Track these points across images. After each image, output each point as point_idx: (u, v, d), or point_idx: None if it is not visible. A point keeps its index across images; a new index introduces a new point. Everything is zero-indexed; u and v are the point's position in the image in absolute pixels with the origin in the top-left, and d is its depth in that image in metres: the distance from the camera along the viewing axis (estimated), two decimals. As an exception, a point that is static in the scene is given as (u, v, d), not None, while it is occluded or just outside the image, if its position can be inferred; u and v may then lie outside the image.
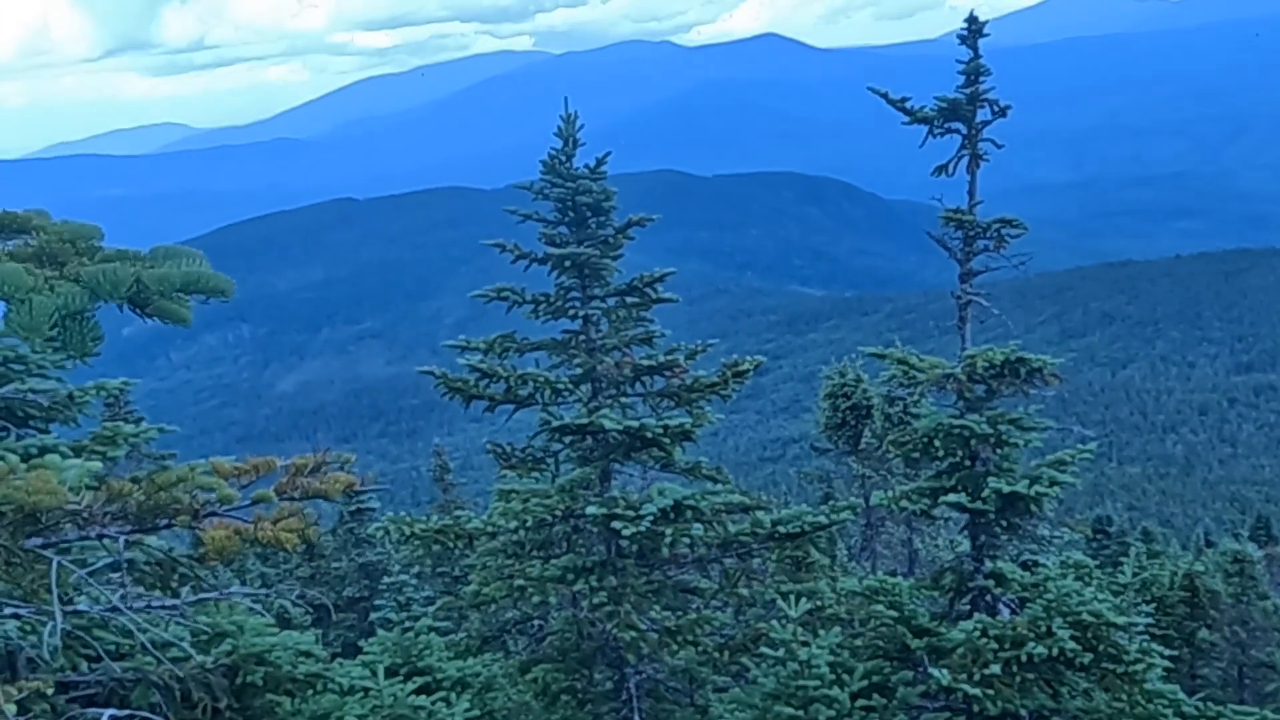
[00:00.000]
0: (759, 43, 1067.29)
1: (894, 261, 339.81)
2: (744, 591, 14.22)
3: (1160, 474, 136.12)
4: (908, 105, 12.66)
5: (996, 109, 12.57)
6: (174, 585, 9.69)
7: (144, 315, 4.19)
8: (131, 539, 5.09)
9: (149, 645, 7.65)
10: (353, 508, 35.85)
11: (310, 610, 34.46)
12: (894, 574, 22.80)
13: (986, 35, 12.50)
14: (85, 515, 5.00)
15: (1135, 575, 28.68)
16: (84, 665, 9.17)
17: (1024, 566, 13.77)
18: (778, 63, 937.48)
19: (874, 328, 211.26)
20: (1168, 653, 16.64)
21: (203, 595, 6.20)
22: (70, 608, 7.10)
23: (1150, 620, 12.91)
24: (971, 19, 12.47)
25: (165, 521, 4.93)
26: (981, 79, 12.53)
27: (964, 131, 12.75)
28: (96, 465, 5.14)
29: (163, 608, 6.43)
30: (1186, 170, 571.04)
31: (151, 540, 7.45)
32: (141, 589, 9.05)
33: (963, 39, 12.49)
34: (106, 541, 5.28)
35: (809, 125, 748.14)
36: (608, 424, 12.62)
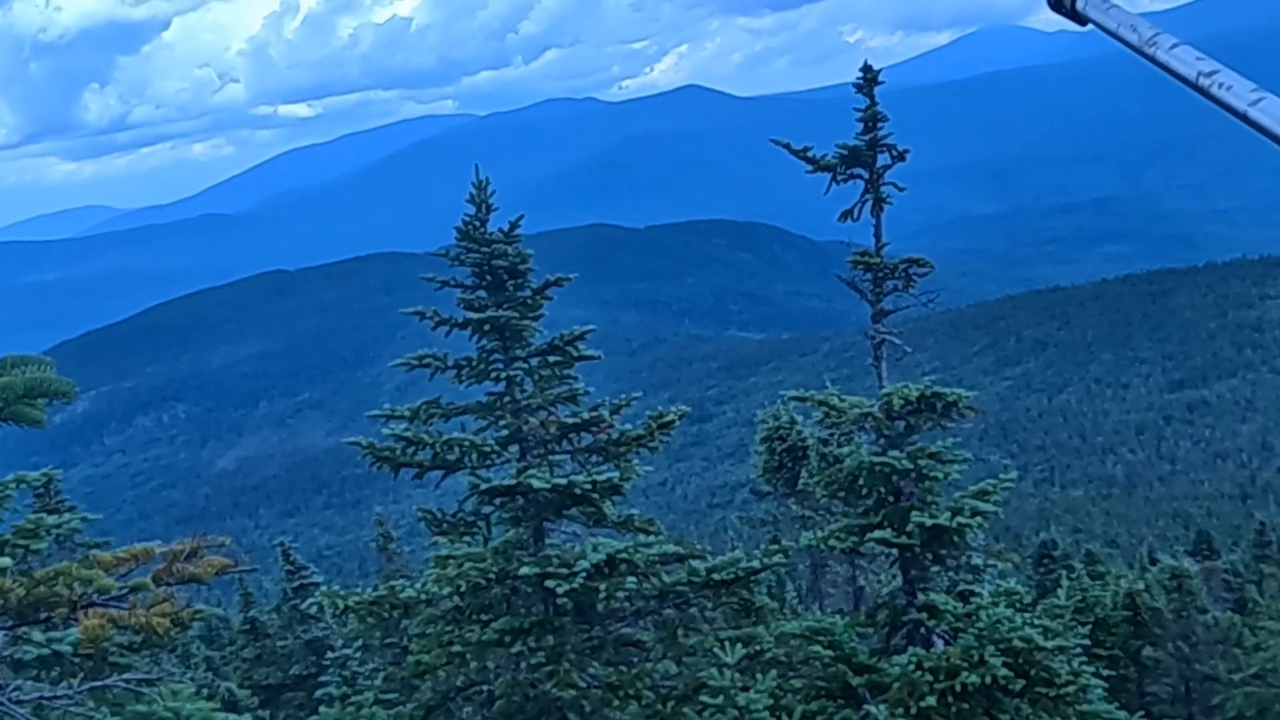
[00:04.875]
0: (681, 94, 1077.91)
1: (829, 301, 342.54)
2: (685, 641, 14.26)
3: (1103, 495, 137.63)
4: (810, 154, 12.94)
5: (895, 153, 12.88)
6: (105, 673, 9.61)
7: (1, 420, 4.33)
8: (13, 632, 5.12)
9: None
10: (295, 583, 35.45)
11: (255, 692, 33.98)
12: (840, 612, 22.99)
13: (881, 83, 12.84)
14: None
15: (1070, 598, 29.08)
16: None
17: (960, 597, 13.97)
18: (701, 113, 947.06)
19: (813, 368, 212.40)
20: (1105, 673, 16.90)
21: (93, 683, 6.20)
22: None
23: (1087, 642, 13.06)
24: (866, 68, 12.81)
25: (45, 614, 4.96)
26: (880, 125, 12.86)
27: (866, 176, 13.05)
28: (6, 561, 5.17)
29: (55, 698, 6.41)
30: (1109, 195, 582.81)
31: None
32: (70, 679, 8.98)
33: (859, 87, 12.81)
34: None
35: (736, 172, 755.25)
36: (536, 483, 12.68)
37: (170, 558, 5.12)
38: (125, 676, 6.13)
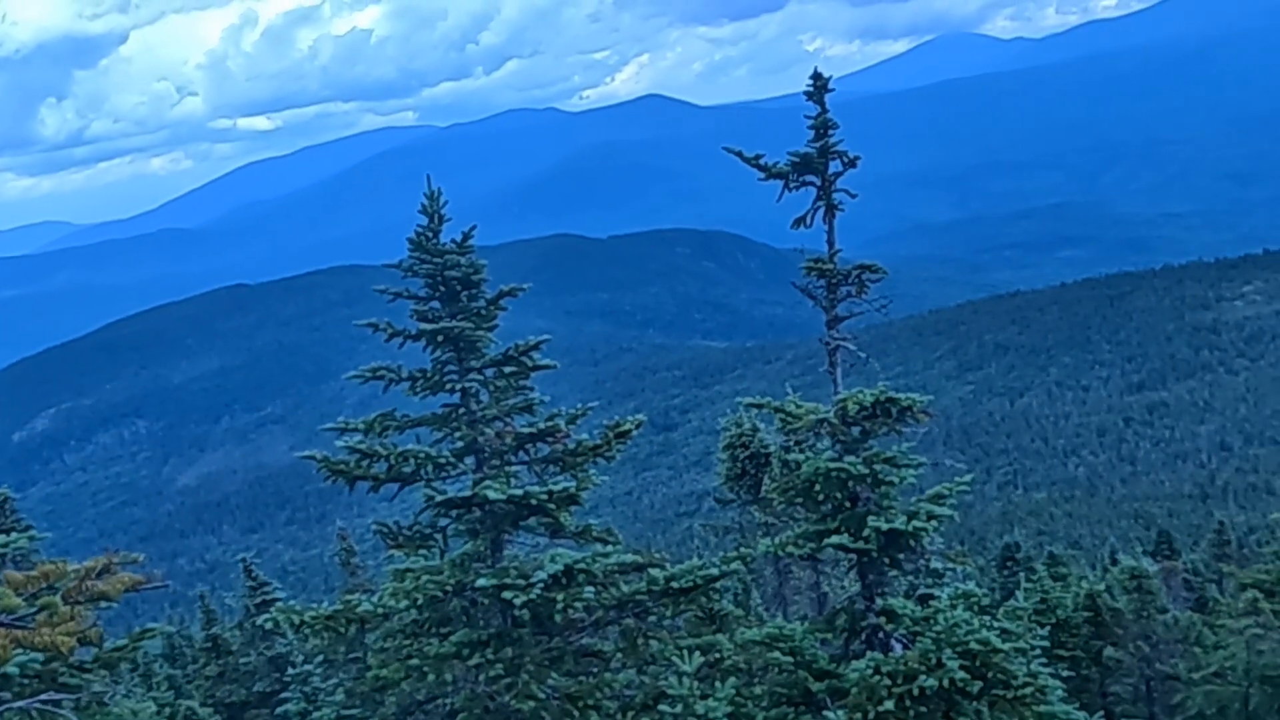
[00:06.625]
0: (642, 104, 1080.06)
1: (792, 309, 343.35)
2: (645, 650, 14.22)
3: (1065, 497, 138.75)
4: (762, 161, 12.97)
5: (846, 160, 12.93)
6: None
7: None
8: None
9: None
10: (258, 600, 35.16)
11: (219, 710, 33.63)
12: (803, 618, 23.02)
13: (832, 90, 12.89)
14: None
15: (1029, 599, 29.24)
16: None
17: (919, 601, 14.00)
18: (662, 122, 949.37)
19: (777, 375, 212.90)
20: (1066, 674, 17.00)
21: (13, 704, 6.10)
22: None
23: (1047, 643, 13.10)
24: (816, 75, 12.85)
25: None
26: (831, 132, 12.90)
27: (818, 184, 13.09)
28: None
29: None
30: (1065, 201, 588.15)
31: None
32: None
33: (809, 95, 12.85)
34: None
35: (698, 181, 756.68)
36: (492, 494, 12.63)
37: (81, 575, 5.04)
38: (42, 698, 6.04)
